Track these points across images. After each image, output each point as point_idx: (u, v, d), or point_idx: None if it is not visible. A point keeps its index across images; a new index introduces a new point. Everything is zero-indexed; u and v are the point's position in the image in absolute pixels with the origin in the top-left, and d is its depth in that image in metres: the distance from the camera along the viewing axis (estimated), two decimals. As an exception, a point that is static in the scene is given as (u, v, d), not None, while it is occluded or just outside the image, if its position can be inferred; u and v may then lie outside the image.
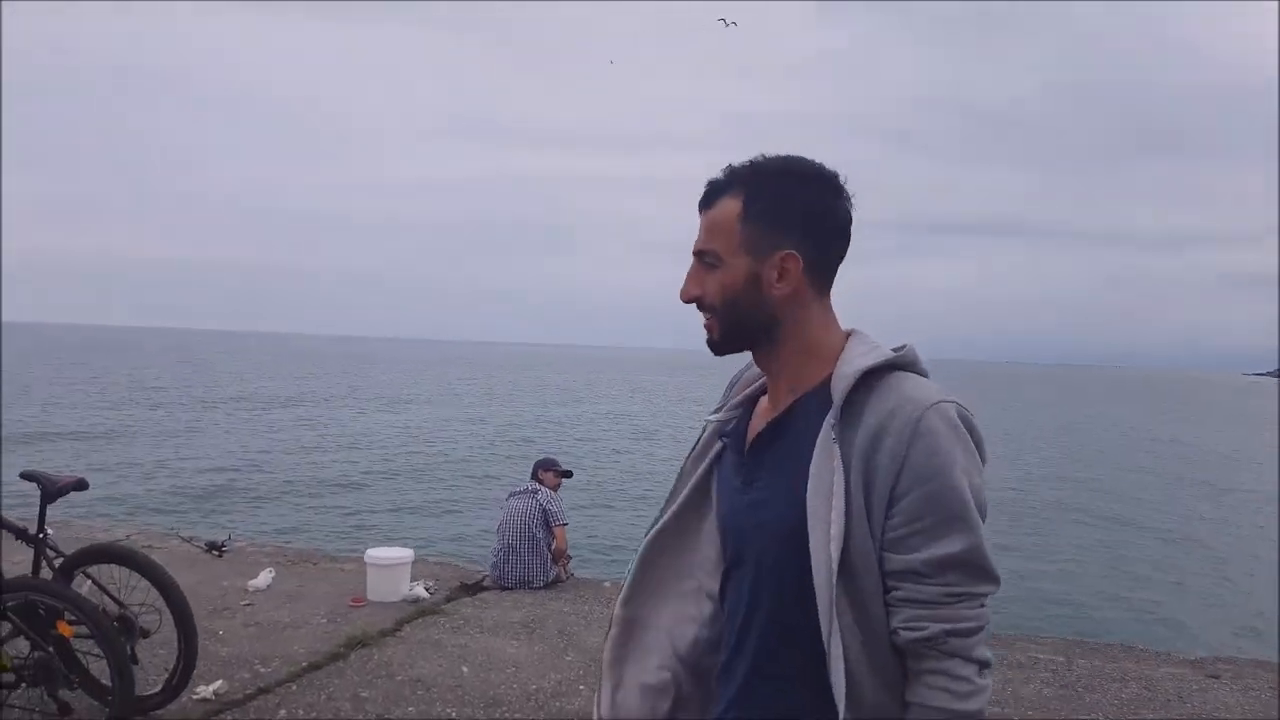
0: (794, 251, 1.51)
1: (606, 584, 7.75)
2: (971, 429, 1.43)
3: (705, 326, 1.57)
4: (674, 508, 1.71)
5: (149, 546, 8.28)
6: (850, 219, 1.55)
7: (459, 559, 9.76)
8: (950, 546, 1.38)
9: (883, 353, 1.49)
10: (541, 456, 8.43)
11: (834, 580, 1.39)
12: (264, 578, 7.20)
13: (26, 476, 4.75)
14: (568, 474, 8.25)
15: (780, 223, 1.51)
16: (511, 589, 7.36)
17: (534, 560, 7.43)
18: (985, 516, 1.42)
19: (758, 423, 1.61)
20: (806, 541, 1.42)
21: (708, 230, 1.54)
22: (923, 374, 1.50)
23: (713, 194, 1.55)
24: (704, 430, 1.74)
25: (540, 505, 7.59)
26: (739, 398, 1.70)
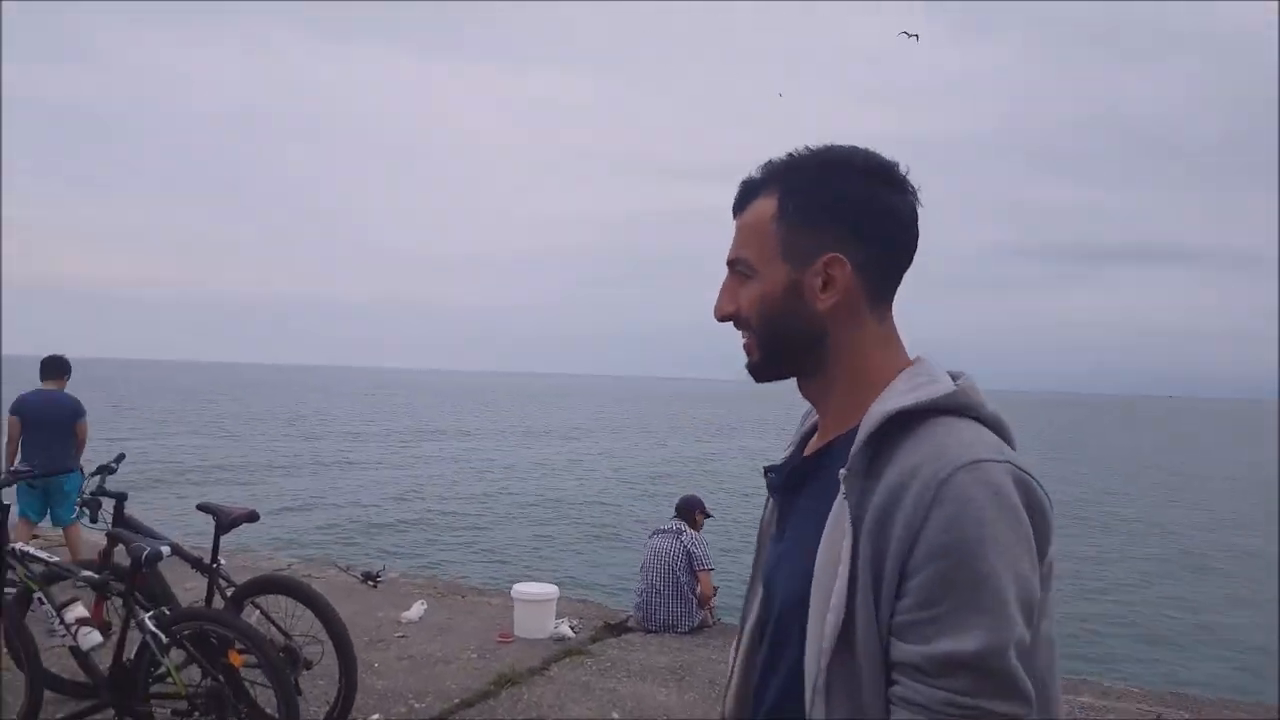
0: (840, 254, 1.27)
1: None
2: (1030, 498, 1.13)
3: (744, 348, 1.36)
4: (756, 588, 1.49)
5: (308, 576, 8.58)
6: (913, 215, 1.30)
7: (599, 596, 9.76)
8: (963, 642, 1.07)
9: (929, 391, 1.22)
10: (686, 494, 8.27)
11: (824, 662, 1.16)
12: (416, 610, 7.34)
13: (203, 508, 4.97)
14: (709, 515, 8.12)
15: (822, 221, 1.28)
16: (656, 632, 7.26)
17: (678, 604, 7.29)
18: (1033, 616, 1.11)
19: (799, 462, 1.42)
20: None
21: (740, 236, 1.34)
22: (986, 419, 1.23)
23: (746, 195, 1.34)
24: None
25: (685, 547, 7.43)
26: (796, 436, 1.49)
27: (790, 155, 1.31)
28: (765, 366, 1.35)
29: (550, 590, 7.18)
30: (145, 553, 4.29)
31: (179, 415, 47.90)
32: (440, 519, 19.15)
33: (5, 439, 7.59)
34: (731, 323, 1.35)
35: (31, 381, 8.05)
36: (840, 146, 1.30)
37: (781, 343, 1.32)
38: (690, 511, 7.84)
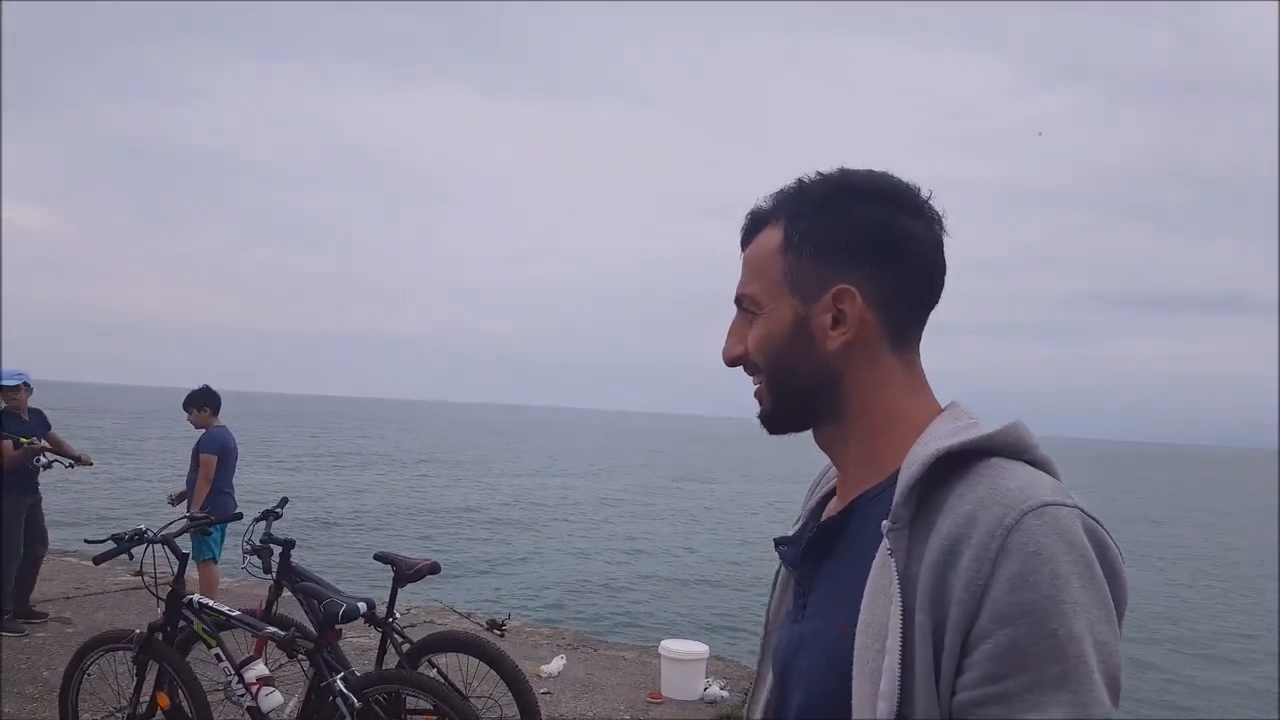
0: (850, 285, 1.13)
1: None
2: (1103, 550, 0.97)
3: (755, 395, 1.21)
4: (765, 674, 1.30)
5: (429, 622, 8.33)
6: (936, 244, 1.15)
7: (739, 653, 9.33)
8: None
9: (976, 431, 1.06)
10: None
11: None
12: (556, 664, 7.04)
13: (381, 558, 4.72)
14: None
15: (831, 250, 1.14)
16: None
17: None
18: (1119, 691, 0.94)
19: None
20: (850, 698, 1.02)
21: (748, 271, 1.21)
22: (1038, 463, 1.06)
23: (754, 226, 1.22)
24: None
25: None
26: (814, 500, 1.30)
27: (799, 181, 1.19)
28: (779, 416, 1.20)
29: (701, 649, 6.83)
30: (342, 609, 4.02)
31: (325, 449, 48.03)
32: (546, 560, 18.70)
33: (198, 478, 7.33)
34: (741, 366, 1.22)
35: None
36: (854, 170, 1.17)
37: (793, 388, 1.17)
38: None
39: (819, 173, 1.18)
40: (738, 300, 1.22)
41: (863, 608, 1.03)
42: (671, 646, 6.79)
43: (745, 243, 1.23)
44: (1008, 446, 1.05)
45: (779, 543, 1.28)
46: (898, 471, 1.08)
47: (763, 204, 1.22)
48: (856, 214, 1.14)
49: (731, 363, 1.22)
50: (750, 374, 1.22)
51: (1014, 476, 1.01)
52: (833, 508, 1.22)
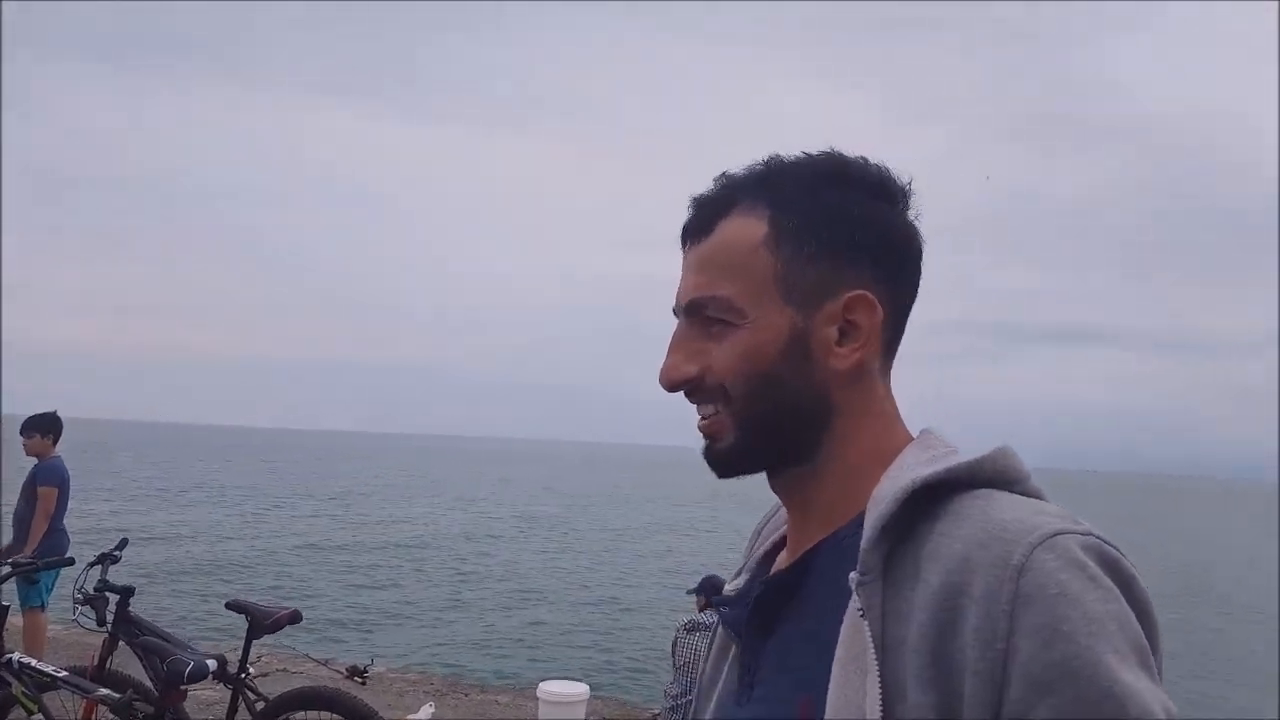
0: (867, 293, 0.93)
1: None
2: (1129, 582, 0.79)
3: (704, 428, 0.97)
4: None
5: (283, 670, 7.78)
6: (923, 243, 0.99)
7: (606, 688, 9.06)
8: None
9: (955, 459, 0.88)
10: (710, 575, 7.60)
11: None
12: (425, 712, 6.63)
13: (234, 607, 4.27)
14: None
15: (839, 248, 0.94)
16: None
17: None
18: None
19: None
20: None
21: (707, 270, 0.95)
22: (1030, 494, 0.88)
23: (708, 214, 0.96)
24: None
25: None
26: (756, 555, 1.09)
27: (775, 160, 0.97)
28: (742, 454, 0.96)
29: (580, 690, 6.55)
30: (189, 667, 3.58)
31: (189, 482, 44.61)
32: (410, 602, 17.88)
33: (37, 513, 6.48)
34: (685, 392, 0.97)
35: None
36: (833, 152, 0.97)
37: (775, 419, 0.94)
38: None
39: (803, 152, 0.97)
40: (693, 306, 0.96)
41: (832, 684, 0.82)
42: (551, 689, 6.49)
43: (697, 233, 0.97)
44: (997, 476, 0.87)
45: (718, 603, 1.06)
46: (863, 514, 0.88)
47: (722, 187, 0.98)
48: (858, 206, 0.94)
49: (677, 385, 0.96)
50: (698, 400, 0.97)
51: (1008, 506, 0.82)
52: (784, 559, 1.00)
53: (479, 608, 16.77)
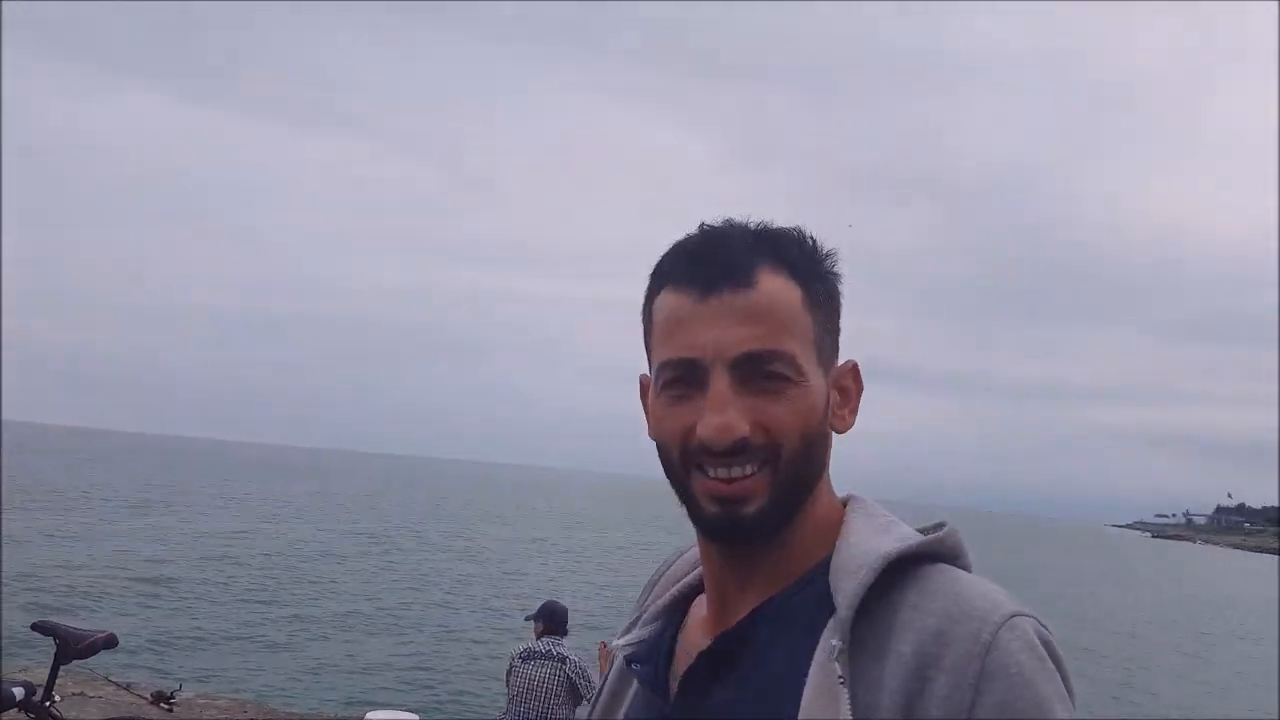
0: (854, 360, 1.03)
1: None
2: (1060, 661, 0.90)
3: (731, 490, 0.94)
4: None
5: (79, 695, 7.19)
6: None
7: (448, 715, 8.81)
8: None
9: (907, 533, 0.95)
10: (550, 601, 7.13)
11: None
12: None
13: (41, 628, 3.92)
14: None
15: (837, 319, 1.02)
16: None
17: (557, 742, 6.45)
18: None
19: (695, 642, 1.01)
20: None
21: (763, 322, 0.94)
22: (968, 569, 0.97)
23: (747, 264, 0.95)
24: (612, 663, 1.14)
25: (568, 677, 6.37)
26: (660, 604, 1.10)
27: (769, 228, 1.00)
28: (772, 518, 0.95)
29: (408, 719, 6.32)
30: (-8, 696, 3.26)
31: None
32: (227, 623, 16.64)
33: None
34: (734, 452, 0.93)
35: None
36: (804, 228, 1.02)
37: (806, 483, 0.97)
38: (564, 624, 6.79)
39: (798, 228, 1.01)
40: (751, 360, 0.92)
41: None
42: (376, 717, 6.26)
43: (737, 281, 0.94)
44: (948, 551, 0.95)
45: (629, 658, 1.06)
46: (809, 577, 0.95)
47: (743, 238, 0.97)
48: (837, 280, 1.02)
49: (737, 445, 0.92)
50: (735, 461, 0.92)
51: (971, 584, 0.91)
52: (710, 620, 1.01)
53: (298, 631, 16.03)
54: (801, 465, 0.95)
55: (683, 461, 0.95)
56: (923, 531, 0.98)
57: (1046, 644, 0.88)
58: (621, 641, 1.09)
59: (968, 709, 0.83)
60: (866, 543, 0.93)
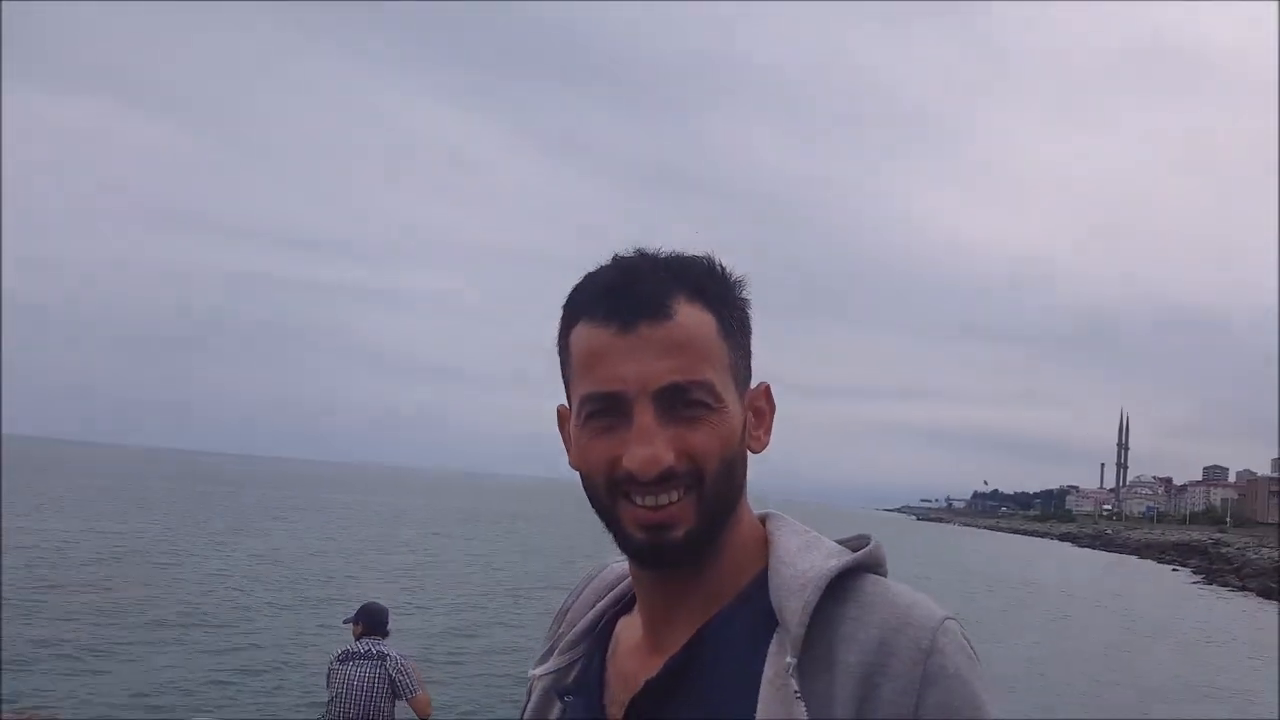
0: (766, 383, 1.05)
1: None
2: (978, 657, 0.95)
3: (658, 518, 0.94)
4: None
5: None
6: None
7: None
8: None
9: (834, 548, 0.99)
10: (371, 602, 6.87)
11: None
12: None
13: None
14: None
15: (749, 343, 1.03)
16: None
17: (378, 744, 6.14)
18: None
19: (631, 668, 1.02)
20: None
21: (681, 353, 0.94)
22: (886, 576, 1.01)
23: (663, 296, 0.95)
24: (530, 694, 1.12)
25: (389, 675, 6.20)
26: (578, 630, 1.10)
27: (698, 259, 1.01)
28: (699, 542, 0.96)
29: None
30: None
31: None
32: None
33: None
34: (655, 479, 0.93)
35: None
36: (711, 255, 1.03)
37: (728, 504, 0.98)
38: (384, 625, 6.56)
39: (709, 256, 1.02)
40: (673, 391, 0.93)
41: None
42: None
43: (654, 313, 0.94)
44: (876, 563, 1.00)
45: (560, 693, 1.07)
46: (745, 595, 0.98)
47: (654, 270, 0.98)
48: (746, 305, 1.03)
49: (663, 475, 0.93)
50: (661, 490, 0.93)
51: (901, 593, 0.95)
52: (644, 647, 1.02)
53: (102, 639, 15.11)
54: (724, 488, 0.96)
55: (609, 491, 0.96)
56: (845, 543, 1.01)
57: (969, 641, 0.94)
58: (540, 671, 1.09)
59: (912, 710, 0.87)
60: (802, 561, 0.96)
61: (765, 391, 1.04)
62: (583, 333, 0.97)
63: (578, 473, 1.00)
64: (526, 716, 1.11)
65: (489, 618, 20.60)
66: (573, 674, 1.07)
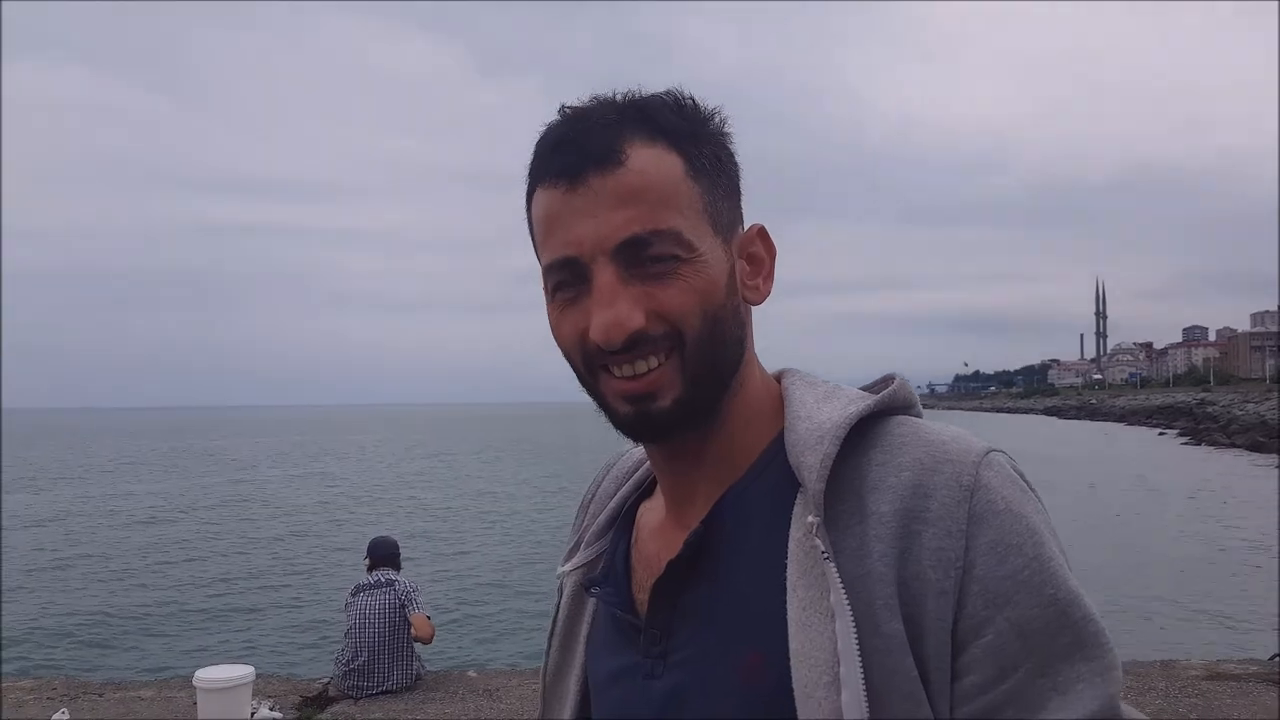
0: (759, 224, 0.95)
1: (471, 673, 7.15)
2: (1033, 487, 0.85)
3: (638, 387, 0.86)
4: None
5: None
6: None
7: (267, 664, 8.58)
8: (1075, 710, 0.74)
9: (854, 394, 0.91)
10: (381, 536, 7.38)
11: None
12: (60, 716, 5.90)
13: None
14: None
15: (733, 182, 0.92)
16: (371, 696, 6.49)
17: (399, 664, 6.59)
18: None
19: (655, 549, 0.96)
20: None
21: (638, 202, 0.84)
22: (921, 418, 0.92)
23: (611, 142, 0.85)
24: (560, 592, 1.08)
25: (398, 598, 6.67)
26: (601, 522, 1.05)
27: (633, 99, 0.89)
28: (689, 410, 0.87)
29: (245, 671, 6.12)
30: None
31: None
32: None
33: None
34: (627, 347, 0.84)
35: None
36: (679, 90, 0.92)
37: (722, 364, 0.88)
38: (395, 557, 7.04)
39: (673, 91, 0.90)
40: (632, 244, 0.82)
41: (792, 633, 0.79)
42: (209, 675, 6.02)
43: (603, 162, 0.83)
44: (903, 403, 0.90)
45: (588, 585, 1.00)
46: (764, 459, 0.90)
47: (602, 114, 0.87)
48: (724, 139, 0.91)
49: (631, 339, 0.83)
50: (636, 355, 0.84)
51: (934, 430, 0.85)
52: (667, 528, 0.95)
53: (93, 590, 14.96)
54: (710, 347, 0.85)
55: (587, 367, 0.88)
56: (869, 388, 0.93)
57: (1020, 472, 0.84)
58: (569, 566, 1.05)
59: (961, 554, 0.76)
60: (819, 413, 0.87)
61: (759, 233, 0.93)
62: (539, 199, 0.89)
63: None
64: (560, 615, 1.07)
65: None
66: (600, 570, 1.01)
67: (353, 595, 6.85)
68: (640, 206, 0.83)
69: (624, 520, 1.03)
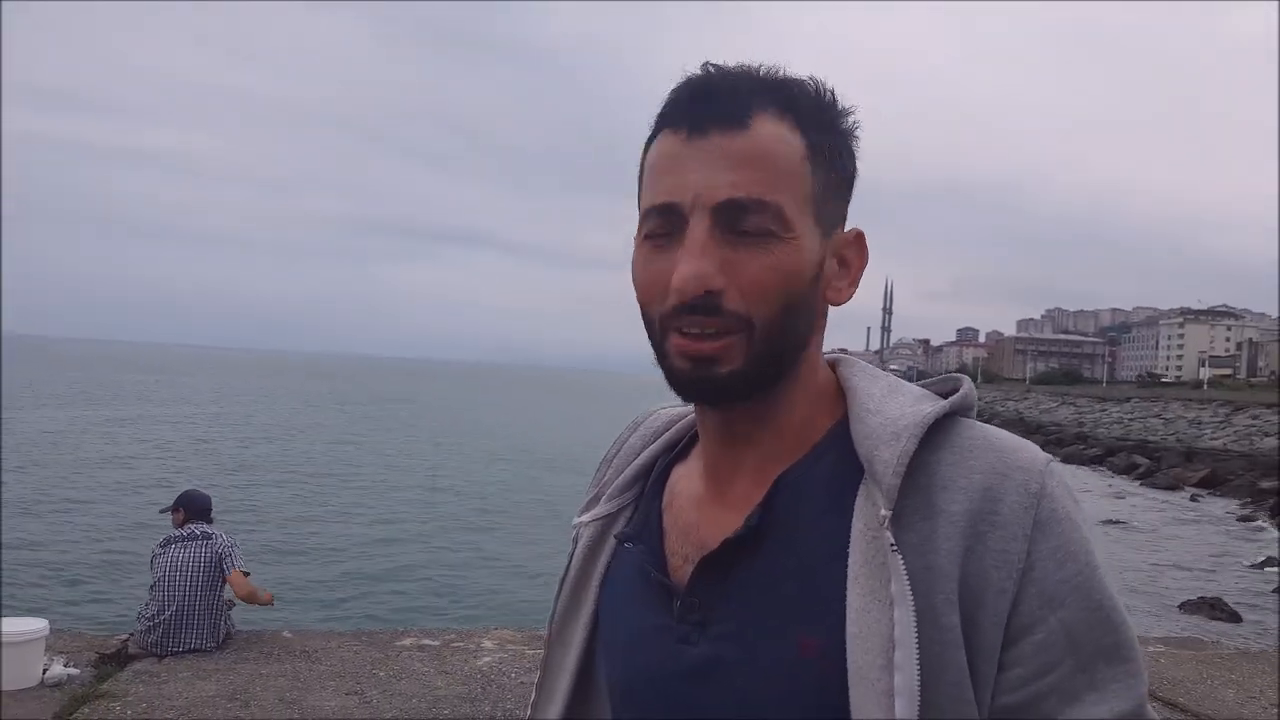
0: (859, 229, 0.95)
1: (287, 633, 6.92)
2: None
3: (704, 350, 0.86)
4: (559, 688, 1.06)
5: None
6: None
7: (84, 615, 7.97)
8: (1109, 707, 0.80)
9: (920, 392, 0.93)
10: (191, 490, 6.95)
11: None
12: None
13: None
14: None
15: (847, 181, 0.92)
16: (175, 654, 6.15)
17: (209, 621, 6.27)
18: None
19: (695, 520, 0.96)
20: None
21: (750, 168, 0.84)
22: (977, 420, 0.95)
23: (742, 105, 0.86)
24: (576, 542, 1.08)
25: (216, 553, 6.34)
26: (625, 477, 1.06)
27: (775, 74, 0.89)
28: (746, 382, 0.88)
29: (38, 624, 5.72)
30: None
31: None
32: None
33: None
34: (702, 305, 0.84)
35: None
36: (819, 78, 0.91)
37: (786, 346, 0.89)
38: (208, 512, 6.66)
39: (815, 78, 0.90)
40: (732, 208, 0.83)
41: (850, 617, 0.82)
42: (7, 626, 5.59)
43: (728, 121, 0.85)
44: (969, 407, 0.92)
45: (623, 538, 1.01)
46: (824, 446, 0.92)
47: (742, 79, 0.87)
48: (850, 139, 0.92)
49: (703, 298, 0.83)
50: (705, 316, 0.84)
51: (1004, 439, 0.88)
52: (709, 495, 0.96)
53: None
54: (779, 334, 0.87)
55: (661, 324, 0.88)
56: (934, 389, 0.95)
57: (1070, 486, 0.88)
58: (587, 518, 1.06)
59: (1024, 557, 0.81)
60: (890, 407, 0.89)
61: (857, 237, 0.94)
62: (659, 142, 0.89)
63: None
64: (575, 560, 1.07)
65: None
66: (622, 520, 1.04)
67: (161, 547, 6.46)
68: (752, 173, 0.84)
69: (656, 481, 1.04)
